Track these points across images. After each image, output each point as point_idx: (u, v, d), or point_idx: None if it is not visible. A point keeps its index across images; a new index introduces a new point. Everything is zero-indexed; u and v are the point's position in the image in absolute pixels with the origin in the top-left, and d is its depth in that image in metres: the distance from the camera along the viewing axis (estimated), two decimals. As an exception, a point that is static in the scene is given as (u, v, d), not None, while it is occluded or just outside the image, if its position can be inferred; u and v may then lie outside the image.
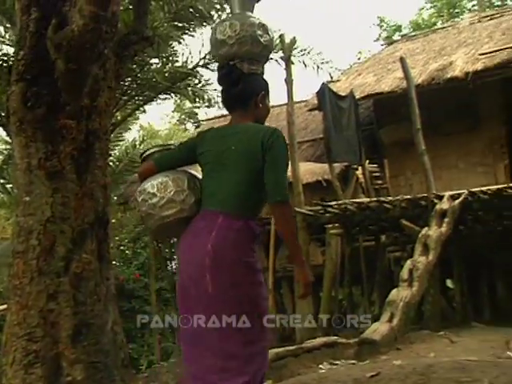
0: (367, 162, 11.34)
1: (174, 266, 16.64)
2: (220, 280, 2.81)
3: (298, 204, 9.35)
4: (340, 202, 9.42)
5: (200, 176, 3.12)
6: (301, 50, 12.59)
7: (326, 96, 10.19)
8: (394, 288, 7.50)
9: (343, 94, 10.99)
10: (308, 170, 11.33)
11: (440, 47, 11.86)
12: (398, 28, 24.60)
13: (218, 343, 2.83)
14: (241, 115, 3.08)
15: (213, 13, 11.49)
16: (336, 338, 7.17)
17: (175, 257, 16.63)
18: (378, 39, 25.06)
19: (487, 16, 13.12)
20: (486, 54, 10.21)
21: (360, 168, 11.38)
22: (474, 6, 23.53)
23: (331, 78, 13.12)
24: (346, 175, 11.49)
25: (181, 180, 3.04)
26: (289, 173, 3.29)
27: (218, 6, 11.37)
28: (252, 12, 3.32)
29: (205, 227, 2.89)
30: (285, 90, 9.71)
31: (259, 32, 3.18)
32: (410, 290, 7.22)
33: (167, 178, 3.03)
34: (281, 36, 10.03)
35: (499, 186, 8.56)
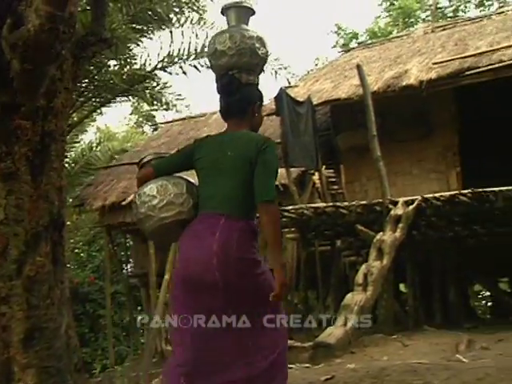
0: (324, 167, 11.44)
1: (129, 269, 16.51)
2: (228, 277, 2.94)
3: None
4: (296, 206, 9.49)
5: (194, 181, 3.24)
6: (259, 56, 12.62)
7: (283, 101, 10.24)
8: (348, 292, 7.58)
9: (301, 100, 11.07)
10: (265, 175, 11.35)
11: (395, 55, 12.05)
12: (355, 36, 24.89)
13: (234, 333, 2.96)
14: (237, 123, 3.23)
15: (171, 16, 11.47)
16: (291, 341, 7.20)
17: (131, 260, 16.52)
18: (335, 46, 25.33)
19: (440, 26, 13.38)
20: (440, 63, 10.41)
21: (316, 173, 11.47)
22: (427, 16, 23.99)
23: (289, 83, 13.23)
24: (303, 180, 11.57)
25: (180, 184, 3.18)
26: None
27: (177, 10, 11.36)
28: (247, 24, 3.47)
29: (206, 229, 3.02)
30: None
31: (257, 45, 3.34)
32: (364, 294, 7.31)
33: (167, 182, 3.17)
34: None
35: (451, 193, 8.73)
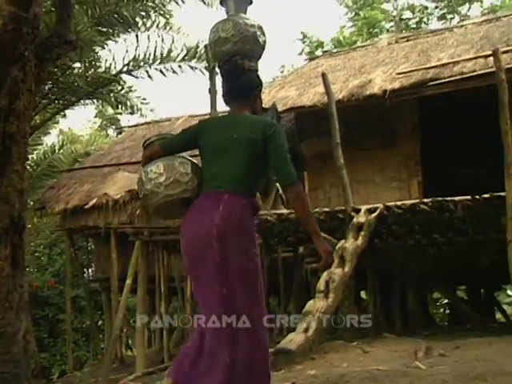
0: (288, 173, 11.47)
1: (90, 274, 16.33)
2: (226, 249, 3.07)
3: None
4: (260, 212, 9.49)
5: (195, 161, 3.41)
6: (225, 61, 12.63)
7: (248, 107, 10.25)
8: (310, 299, 7.60)
9: (266, 107, 11.09)
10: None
11: (360, 65, 12.16)
12: (321, 44, 25.07)
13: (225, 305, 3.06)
14: (240, 107, 3.40)
15: (138, 19, 11.43)
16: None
17: (92, 264, 16.34)
18: (301, 54, 25.50)
19: (404, 37, 13.54)
20: (403, 73, 10.55)
21: (280, 180, 11.47)
22: (391, 27, 24.36)
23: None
24: (267, 186, 11.59)
25: (186, 164, 3.33)
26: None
27: (143, 13, 11.32)
28: (245, 14, 3.66)
29: (210, 205, 3.17)
30: (208, 99, 9.70)
31: (258, 32, 3.56)
32: (325, 301, 7.33)
33: (173, 161, 3.32)
34: (205, 47, 10.05)
35: (412, 202, 8.83)
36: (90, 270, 16.52)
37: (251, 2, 3.73)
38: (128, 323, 14.55)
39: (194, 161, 3.42)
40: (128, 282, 11.03)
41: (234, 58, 3.47)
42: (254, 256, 3.18)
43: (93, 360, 14.24)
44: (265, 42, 3.62)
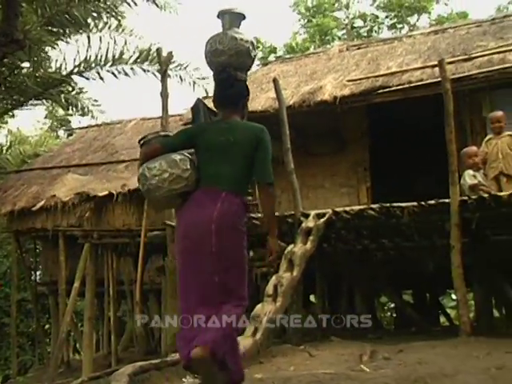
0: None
1: (38, 277, 16.05)
2: (222, 242, 3.52)
3: (168, 217, 9.33)
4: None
5: (192, 157, 3.79)
6: (178, 65, 12.68)
7: (200, 111, 10.20)
8: (259, 302, 7.64)
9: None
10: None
11: (311, 71, 12.27)
12: (273, 50, 25.26)
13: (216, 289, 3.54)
14: (231, 113, 3.85)
15: (89, 21, 11.33)
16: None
17: (40, 266, 16.05)
18: (253, 59, 25.59)
19: (355, 45, 13.71)
20: (353, 80, 10.71)
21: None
22: (343, 34, 24.72)
23: (207, 93, 13.26)
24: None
25: (186, 161, 3.74)
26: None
27: (95, 15, 11.23)
28: (239, 28, 4.07)
29: (209, 200, 3.59)
30: (160, 102, 9.66)
31: (251, 47, 4.00)
32: (274, 305, 7.37)
33: (175, 159, 3.71)
34: (158, 49, 10.02)
35: (361, 207, 8.95)
36: (37, 273, 16.24)
37: (244, 17, 4.09)
38: (76, 327, 14.36)
39: (191, 157, 3.76)
40: (76, 285, 10.91)
41: (228, 68, 3.87)
42: (243, 248, 3.63)
43: (38, 364, 14.00)
44: (255, 56, 4.04)
